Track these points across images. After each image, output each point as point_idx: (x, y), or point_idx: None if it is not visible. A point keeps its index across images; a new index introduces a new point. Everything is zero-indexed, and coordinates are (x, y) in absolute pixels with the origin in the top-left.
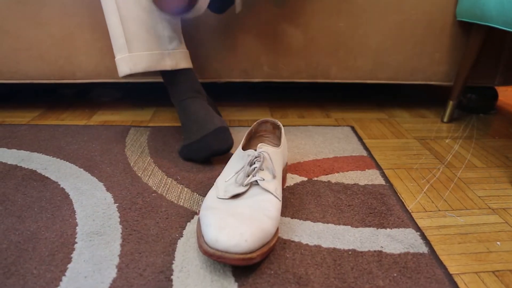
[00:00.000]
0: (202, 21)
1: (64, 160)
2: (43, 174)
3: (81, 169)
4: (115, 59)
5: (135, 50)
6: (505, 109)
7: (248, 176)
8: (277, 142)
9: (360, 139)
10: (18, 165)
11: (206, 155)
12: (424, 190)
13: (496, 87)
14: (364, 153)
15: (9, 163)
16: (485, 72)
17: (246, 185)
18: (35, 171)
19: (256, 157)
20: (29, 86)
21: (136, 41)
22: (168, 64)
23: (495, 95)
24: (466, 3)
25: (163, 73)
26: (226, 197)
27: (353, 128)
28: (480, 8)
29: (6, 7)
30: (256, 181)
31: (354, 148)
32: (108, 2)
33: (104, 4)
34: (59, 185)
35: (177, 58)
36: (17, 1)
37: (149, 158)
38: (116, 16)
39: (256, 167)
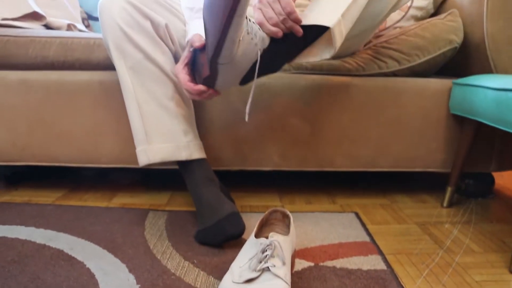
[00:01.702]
0: (217, 116)
1: (88, 241)
2: (69, 254)
3: (105, 250)
4: (136, 150)
5: (154, 142)
6: (503, 193)
7: (261, 262)
8: (286, 230)
9: (363, 225)
10: (46, 244)
11: (221, 240)
12: (424, 275)
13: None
14: (367, 239)
15: (37, 242)
16: (480, 159)
17: (258, 271)
18: (62, 251)
19: (268, 245)
20: (54, 166)
21: (155, 135)
22: (183, 155)
23: (492, 180)
24: (457, 99)
25: (179, 162)
26: (241, 282)
27: (357, 214)
28: (469, 105)
29: (45, 98)
30: (268, 267)
31: (358, 234)
32: (130, 100)
33: (126, 101)
34: (85, 265)
35: (191, 150)
36: (55, 93)
37: (167, 241)
38: (137, 113)
39: (267, 254)
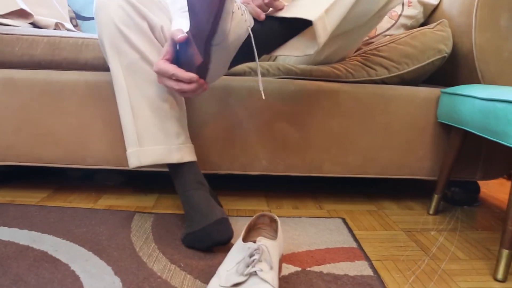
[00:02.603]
0: (206, 119)
1: (73, 242)
2: (54, 256)
3: (90, 252)
4: (126, 152)
5: (145, 145)
6: (488, 201)
7: (248, 266)
8: (274, 234)
9: (350, 230)
10: (30, 245)
11: (208, 245)
12: (410, 281)
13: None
14: (354, 245)
15: (21, 243)
16: (466, 167)
17: (246, 275)
18: (47, 252)
19: (255, 250)
20: (38, 167)
21: (147, 136)
22: (175, 157)
23: (477, 189)
24: (445, 107)
25: (169, 165)
26: (228, 285)
27: (344, 220)
28: (456, 114)
29: (31, 97)
30: (255, 271)
31: (344, 240)
32: (123, 101)
33: (119, 101)
34: (70, 267)
35: (183, 152)
36: (41, 93)
37: (154, 244)
38: (129, 114)
39: (255, 258)
